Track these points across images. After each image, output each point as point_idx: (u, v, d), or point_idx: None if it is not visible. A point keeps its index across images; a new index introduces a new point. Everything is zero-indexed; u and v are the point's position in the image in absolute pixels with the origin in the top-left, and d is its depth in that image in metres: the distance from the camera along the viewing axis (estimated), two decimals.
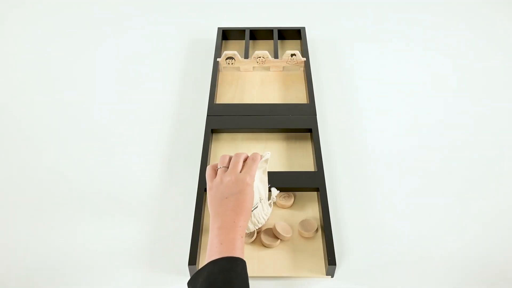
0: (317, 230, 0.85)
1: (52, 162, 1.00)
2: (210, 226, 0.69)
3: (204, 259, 0.80)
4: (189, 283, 0.64)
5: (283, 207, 0.89)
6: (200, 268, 0.64)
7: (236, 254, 0.64)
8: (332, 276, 0.79)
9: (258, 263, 0.80)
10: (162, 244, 0.84)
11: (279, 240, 0.82)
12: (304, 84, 1.17)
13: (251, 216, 0.75)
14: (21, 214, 0.90)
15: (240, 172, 0.71)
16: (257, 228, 0.80)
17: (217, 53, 1.22)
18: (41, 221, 0.88)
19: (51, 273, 0.80)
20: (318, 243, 0.83)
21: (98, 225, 0.88)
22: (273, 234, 0.83)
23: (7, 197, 0.93)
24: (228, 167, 0.72)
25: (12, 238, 0.86)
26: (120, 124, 1.09)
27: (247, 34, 1.29)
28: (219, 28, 1.32)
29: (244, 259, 0.65)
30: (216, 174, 0.73)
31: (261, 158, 0.74)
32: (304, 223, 0.85)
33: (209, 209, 0.71)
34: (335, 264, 0.76)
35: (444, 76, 1.24)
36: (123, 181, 0.95)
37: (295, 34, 1.32)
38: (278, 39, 1.30)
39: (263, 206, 0.78)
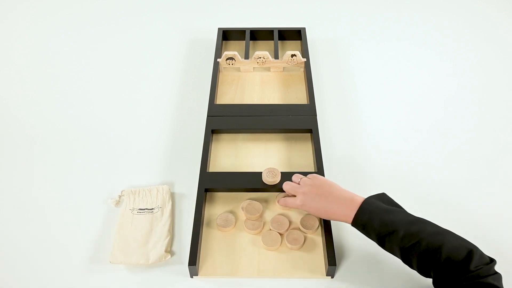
0: (317, 227, 0.85)
1: (51, 161, 1.01)
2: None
3: (204, 259, 0.81)
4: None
5: (284, 208, 0.89)
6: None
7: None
8: (332, 277, 0.79)
9: (258, 263, 0.80)
10: None
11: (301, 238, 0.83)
12: (304, 85, 1.17)
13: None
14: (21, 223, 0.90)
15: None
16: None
17: (217, 54, 1.22)
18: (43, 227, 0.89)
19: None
20: (318, 244, 0.83)
21: (98, 225, 0.88)
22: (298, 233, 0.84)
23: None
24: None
25: None
26: (120, 125, 1.09)
27: (248, 34, 1.29)
28: (219, 29, 1.31)
29: None
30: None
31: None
32: (304, 220, 0.85)
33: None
34: (335, 265, 0.77)
35: (444, 76, 1.24)
36: (123, 181, 0.95)
37: (295, 35, 1.32)
38: (279, 39, 1.30)
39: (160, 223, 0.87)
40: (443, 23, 1.43)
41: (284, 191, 0.87)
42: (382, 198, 0.76)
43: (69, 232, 0.87)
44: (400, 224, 0.69)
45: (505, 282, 0.64)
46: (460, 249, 0.64)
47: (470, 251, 0.64)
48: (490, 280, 0.61)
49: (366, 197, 0.76)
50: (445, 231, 0.68)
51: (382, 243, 0.72)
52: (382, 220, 0.71)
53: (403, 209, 0.75)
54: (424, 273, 0.68)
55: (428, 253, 0.66)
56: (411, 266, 0.70)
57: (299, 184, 0.84)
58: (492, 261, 0.64)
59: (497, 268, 0.66)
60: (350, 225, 0.88)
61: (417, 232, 0.68)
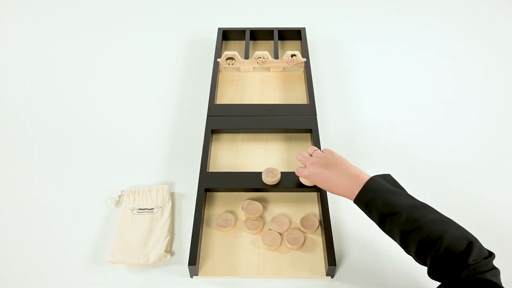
0: (317, 227, 0.85)
1: (51, 161, 1.01)
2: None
3: (203, 259, 0.81)
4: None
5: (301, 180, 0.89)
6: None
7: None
8: (332, 277, 0.79)
9: (258, 263, 0.80)
10: None
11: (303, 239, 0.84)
12: (304, 85, 1.17)
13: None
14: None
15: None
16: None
17: (217, 54, 1.22)
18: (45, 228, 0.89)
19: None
20: (318, 244, 0.83)
21: (98, 225, 0.88)
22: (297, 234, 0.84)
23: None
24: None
25: None
26: (120, 125, 1.09)
27: (247, 34, 1.29)
28: (219, 29, 1.32)
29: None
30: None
31: None
32: (304, 220, 0.85)
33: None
34: (335, 265, 0.77)
35: (443, 76, 1.24)
36: (123, 181, 0.95)
37: (295, 35, 1.32)
38: (278, 39, 1.30)
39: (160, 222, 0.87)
40: (443, 23, 1.43)
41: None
42: (388, 178, 0.75)
43: (69, 232, 0.87)
44: (404, 207, 0.68)
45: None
46: (461, 240, 0.63)
47: (470, 242, 0.62)
48: (488, 276, 0.60)
49: (372, 175, 0.75)
50: (448, 220, 0.67)
51: (382, 223, 0.70)
52: (385, 201, 0.70)
53: (407, 192, 0.74)
54: (421, 260, 0.67)
55: (428, 241, 0.65)
56: (408, 251, 0.69)
57: (311, 156, 0.83)
58: (491, 255, 0.63)
59: (503, 263, 0.65)
60: (350, 225, 0.89)
61: (419, 217, 0.66)
